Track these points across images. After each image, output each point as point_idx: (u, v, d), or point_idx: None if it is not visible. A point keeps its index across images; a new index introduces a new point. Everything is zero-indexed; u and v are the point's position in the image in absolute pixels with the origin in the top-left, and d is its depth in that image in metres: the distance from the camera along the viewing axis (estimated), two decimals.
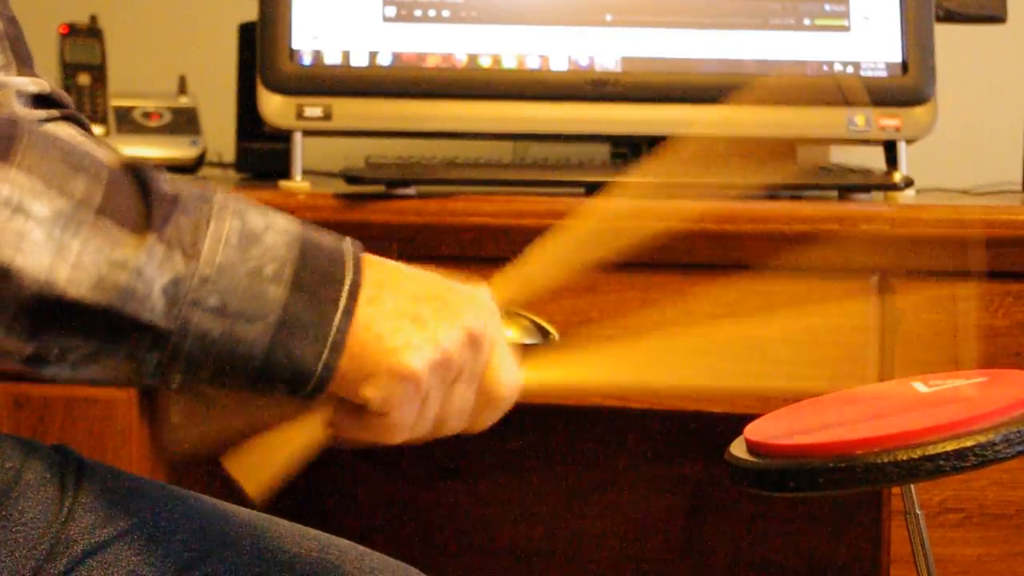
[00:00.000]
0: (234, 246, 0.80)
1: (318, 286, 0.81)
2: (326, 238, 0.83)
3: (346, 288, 0.82)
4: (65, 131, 1.08)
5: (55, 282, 0.76)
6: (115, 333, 0.78)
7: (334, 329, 0.81)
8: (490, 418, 0.89)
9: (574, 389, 0.97)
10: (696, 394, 0.97)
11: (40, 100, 1.08)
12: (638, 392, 0.94)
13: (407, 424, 0.84)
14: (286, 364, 0.81)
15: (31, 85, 1.06)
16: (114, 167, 0.80)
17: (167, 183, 0.80)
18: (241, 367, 0.81)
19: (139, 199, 0.79)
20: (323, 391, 0.82)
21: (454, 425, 0.87)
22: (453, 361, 0.84)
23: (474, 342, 0.85)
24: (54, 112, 1.08)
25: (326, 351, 0.81)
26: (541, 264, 0.95)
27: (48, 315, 0.77)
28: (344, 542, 1.02)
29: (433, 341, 0.83)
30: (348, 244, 0.84)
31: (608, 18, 1.72)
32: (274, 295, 0.80)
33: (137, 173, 0.80)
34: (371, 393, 0.82)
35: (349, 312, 0.81)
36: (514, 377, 0.88)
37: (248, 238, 0.80)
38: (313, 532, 1.02)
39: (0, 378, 1.57)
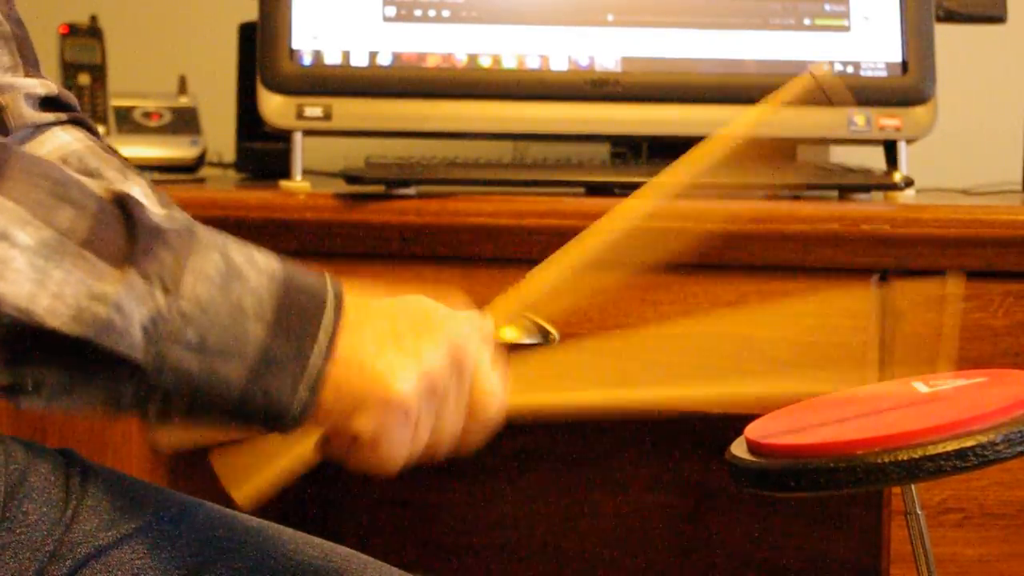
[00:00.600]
0: (215, 282, 0.80)
1: (298, 324, 0.81)
2: (307, 276, 0.83)
3: (325, 326, 0.82)
4: (72, 135, 1.08)
5: (34, 311, 0.76)
6: (92, 365, 0.78)
7: (311, 368, 0.81)
8: (479, 437, 0.89)
9: (563, 407, 0.97)
10: (691, 404, 0.97)
11: (47, 102, 1.08)
12: (632, 407, 0.94)
13: (401, 453, 0.84)
14: (263, 402, 0.81)
15: (39, 87, 1.06)
16: (102, 199, 0.80)
17: (153, 217, 0.80)
18: (218, 403, 0.80)
19: (123, 232, 0.79)
20: (300, 426, 0.82)
21: (445, 447, 0.87)
22: (439, 382, 0.84)
23: (458, 361, 0.85)
24: (62, 115, 1.08)
25: (302, 390, 0.81)
26: (558, 274, 0.95)
27: (25, 344, 0.77)
28: (346, 550, 1.02)
29: (417, 365, 0.83)
30: (329, 282, 0.84)
31: (610, 18, 1.72)
32: (253, 332, 0.80)
33: (123, 206, 0.80)
34: (362, 425, 0.83)
35: (329, 350, 0.81)
36: (501, 393, 0.88)
37: (229, 275, 0.80)
38: (316, 540, 1.02)
39: None
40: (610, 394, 0.97)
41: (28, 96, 1.06)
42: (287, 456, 0.89)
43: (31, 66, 1.06)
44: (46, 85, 1.07)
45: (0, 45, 1.05)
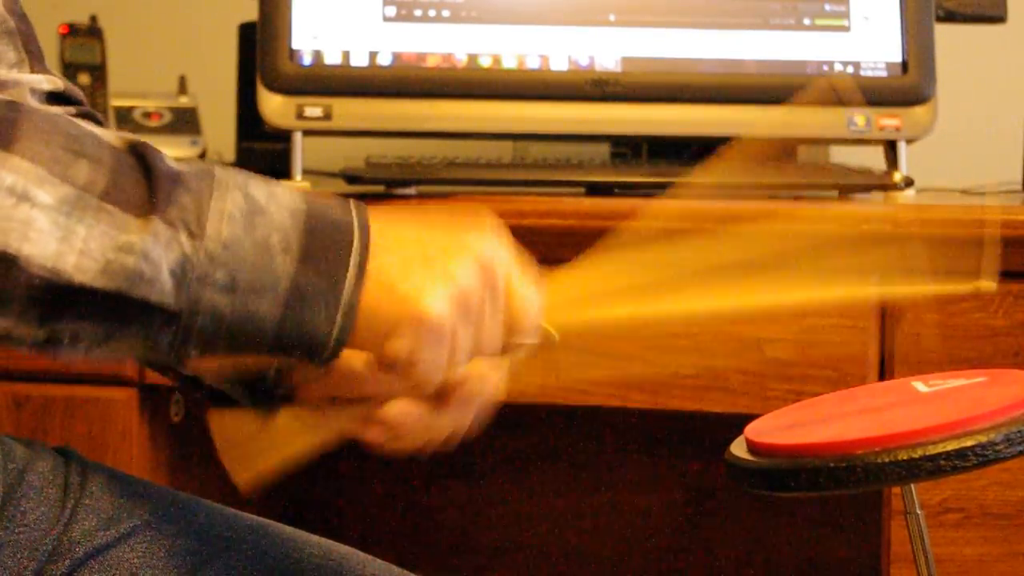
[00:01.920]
0: (239, 220, 0.80)
1: (326, 253, 0.81)
2: (331, 204, 0.83)
3: (355, 252, 0.82)
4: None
5: (63, 269, 0.76)
6: (126, 316, 0.78)
7: (346, 295, 0.81)
8: (522, 341, 0.88)
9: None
10: (696, 393, 0.97)
11: (54, 97, 1.08)
12: (636, 391, 0.94)
13: (438, 369, 0.84)
14: (300, 334, 0.81)
15: (45, 83, 1.06)
16: (117, 149, 0.80)
17: (170, 162, 0.80)
18: (255, 339, 0.81)
19: (142, 181, 0.79)
20: (340, 354, 0.82)
21: (487, 352, 0.86)
22: (471, 294, 0.84)
23: (488, 271, 0.85)
24: (71, 110, 1.08)
25: (339, 318, 0.81)
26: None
27: (58, 302, 0.77)
28: (345, 548, 1.02)
29: (447, 280, 0.83)
30: (354, 207, 0.84)
31: (612, 18, 1.72)
32: (282, 266, 0.80)
33: (139, 154, 0.80)
34: (397, 347, 0.82)
35: (360, 276, 0.81)
36: (536, 296, 0.88)
37: (252, 211, 0.80)
38: (315, 538, 1.02)
39: (0, 378, 1.57)
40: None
41: (34, 91, 1.06)
42: (293, 443, 0.88)
43: (37, 61, 1.07)
44: (52, 81, 1.07)
45: (5, 41, 1.05)
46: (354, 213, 0.84)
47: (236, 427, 0.91)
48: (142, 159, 0.80)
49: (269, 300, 0.80)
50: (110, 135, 0.81)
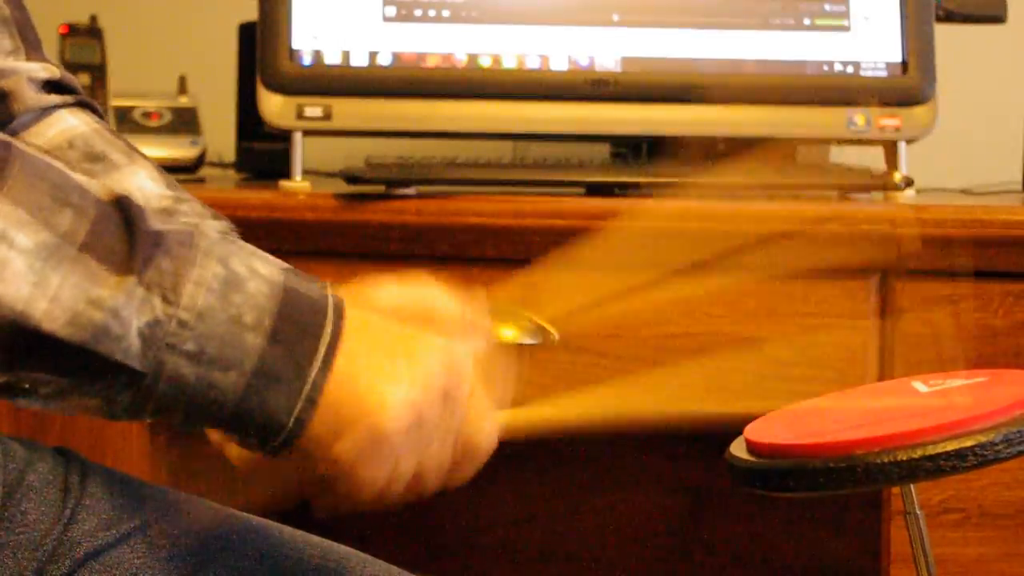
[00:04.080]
0: (215, 292, 0.79)
1: (297, 338, 0.80)
2: (309, 287, 0.82)
3: (325, 343, 0.81)
4: (79, 118, 1.07)
5: (32, 314, 0.75)
6: (88, 371, 0.78)
7: (309, 384, 0.80)
8: (469, 472, 0.88)
9: (557, 427, 0.97)
10: (688, 420, 0.97)
11: (51, 86, 1.07)
12: (625, 424, 0.95)
13: (376, 483, 0.83)
14: (258, 414, 0.80)
15: (42, 71, 1.06)
16: (103, 202, 0.79)
17: (153, 222, 0.80)
18: (213, 413, 0.80)
19: (123, 238, 0.78)
20: (292, 444, 0.81)
21: (431, 482, 0.86)
22: (427, 421, 0.83)
23: (449, 399, 0.84)
24: (68, 98, 1.08)
25: (299, 405, 0.80)
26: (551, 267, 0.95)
27: (22, 347, 0.76)
28: (345, 549, 1.02)
29: (408, 402, 0.82)
30: (331, 296, 0.83)
31: (616, 18, 1.72)
32: (252, 344, 0.79)
33: (124, 210, 0.79)
34: (342, 450, 0.81)
35: (327, 368, 0.80)
36: (492, 429, 0.88)
37: (229, 285, 0.79)
38: (315, 538, 1.02)
39: None
40: (604, 411, 0.96)
41: (31, 80, 1.05)
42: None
43: (33, 49, 1.06)
44: (49, 69, 1.06)
45: (0, 29, 1.04)
46: (330, 300, 0.82)
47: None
48: (126, 215, 0.79)
49: (234, 376, 0.79)
50: (98, 187, 0.80)
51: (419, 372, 0.82)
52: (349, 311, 0.83)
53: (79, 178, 0.80)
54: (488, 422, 0.87)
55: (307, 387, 0.80)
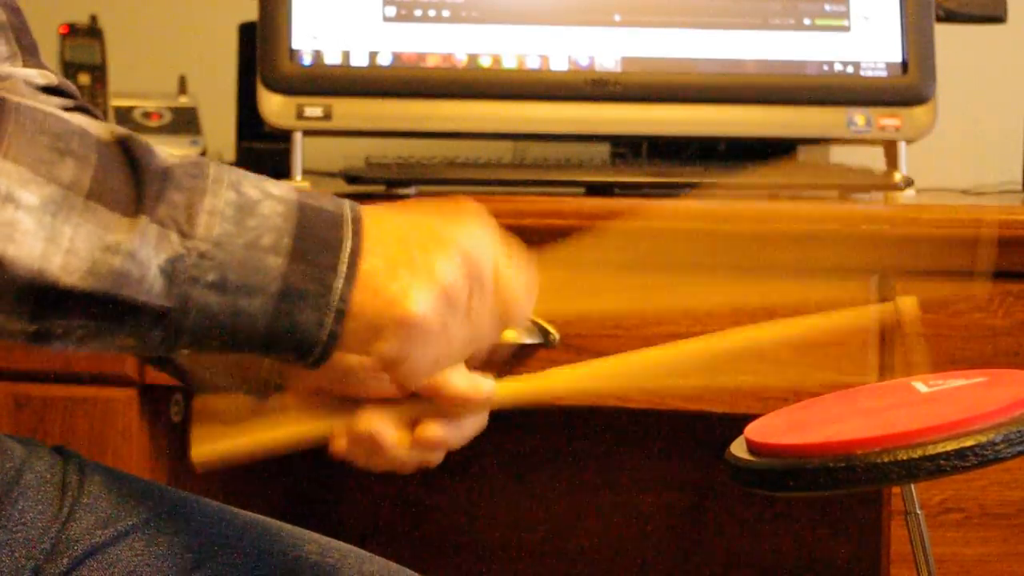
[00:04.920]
0: (230, 219, 0.79)
1: (317, 253, 0.81)
2: (324, 203, 0.83)
3: (346, 253, 0.81)
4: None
5: (49, 270, 0.76)
6: (114, 315, 0.78)
7: (336, 296, 0.81)
8: (519, 320, 0.88)
9: (569, 392, 0.97)
10: (695, 393, 0.97)
11: (48, 91, 1.07)
12: (636, 392, 0.95)
13: (430, 365, 0.84)
14: (291, 334, 0.81)
15: (38, 77, 1.06)
16: (105, 145, 0.79)
17: (159, 157, 0.79)
18: (246, 338, 0.80)
19: (130, 179, 0.78)
20: (330, 356, 0.82)
21: (485, 343, 0.86)
22: (456, 290, 0.83)
23: (473, 262, 0.84)
24: (67, 102, 1.07)
25: (330, 319, 0.81)
26: (551, 267, 0.94)
27: (46, 301, 0.77)
28: (344, 546, 1.02)
29: (429, 279, 0.82)
30: (347, 207, 0.83)
31: (617, 18, 1.72)
32: (273, 266, 0.80)
33: (128, 150, 0.79)
34: (383, 348, 0.82)
35: (351, 278, 0.81)
36: (526, 281, 0.88)
37: (244, 210, 0.80)
38: (313, 535, 1.02)
39: (0, 378, 1.57)
40: (615, 380, 0.96)
41: (27, 85, 1.05)
42: (266, 432, 0.88)
43: (29, 55, 1.06)
44: (45, 75, 1.06)
45: None
46: (347, 213, 0.83)
47: (218, 406, 0.91)
48: (131, 155, 0.79)
49: (260, 300, 0.79)
50: (99, 128, 0.80)
51: (437, 261, 0.83)
52: (367, 219, 0.83)
53: (78, 122, 0.80)
54: (522, 285, 0.87)
55: (334, 299, 0.80)
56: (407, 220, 0.86)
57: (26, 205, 0.75)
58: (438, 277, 0.83)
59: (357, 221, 0.83)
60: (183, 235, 0.78)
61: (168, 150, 0.81)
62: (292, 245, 0.80)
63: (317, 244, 0.81)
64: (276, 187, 0.82)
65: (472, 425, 0.90)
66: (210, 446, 0.88)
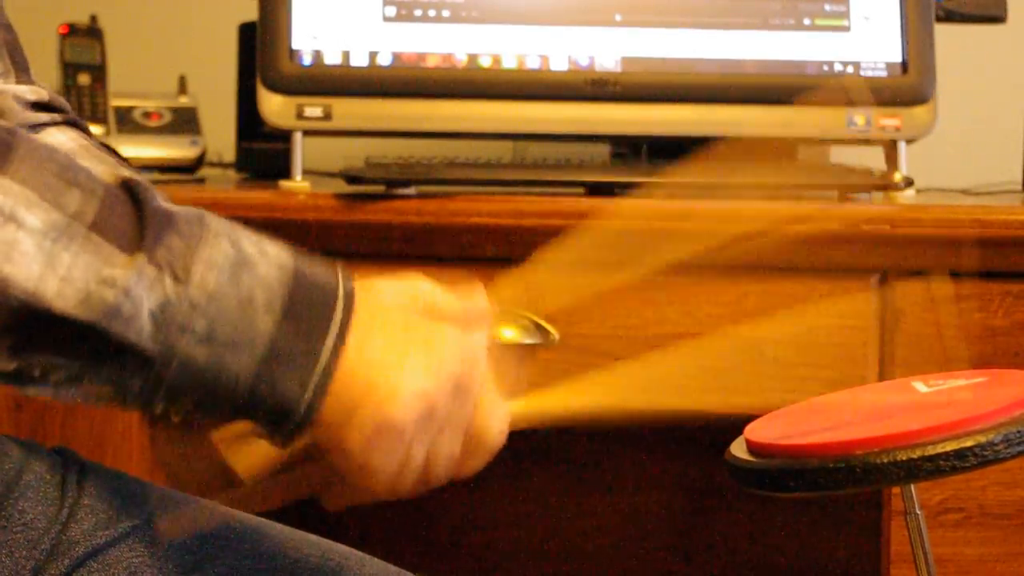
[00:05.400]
0: (225, 271, 0.79)
1: (308, 320, 0.80)
2: (319, 270, 0.82)
3: (335, 326, 0.80)
4: (67, 135, 1.08)
5: (43, 294, 0.75)
6: (99, 353, 0.77)
7: (321, 366, 0.79)
8: (478, 464, 0.87)
9: (565, 418, 0.97)
10: (693, 414, 0.96)
11: (38, 107, 1.07)
12: (631, 416, 0.95)
13: (388, 472, 0.83)
14: (270, 397, 0.79)
15: (29, 93, 1.06)
16: (110, 184, 0.79)
17: (162, 202, 0.79)
18: (225, 397, 0.79)
19: (133, 218, 0.78)
20: (304, 429, 0.81)
21: (441, 473, 0.85)
22: (439, 411, 0.82)
23: (461, 390, 0.83)
24: (57, 117, 1.08)
25: (311, 388, 0.80)
26: (552, 266, 0.94)
27: (33, 329, 0.76)
28: (345, 548, 1.02)
29: (421, 390, 0.81)
30: (341, 277, 0.82)
31: (618, 18, 1.72)
32: (263, 326, 0.79)
33: (132, 191, 0.79)
34: (353, 437, 0.81)
35: (337, 352, 0.80)
36: (502, 422, 0.87)
37: (240, 266, 0.79)
38: (314, 538, 1.02)
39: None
40: (609, 402, 0.96)
41: (18, 100, 1.05)
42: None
43: (22, 71, 1.06)
44: (37, 91, 1.06)
45: None
46: (340, 280, 0.82)
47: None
48: (134, 195, 0.79)
49: (245, 357, 0.78)
50: (104, 171, 0.80)
51: (433, 362, 0.82)
52: (360, 295, 0.82)
53: (84, 163, 0.80)
54: (499, 415, 0.87)
55: (319, 369, 0.79)
56: (412, 318, 0.84)
57: (28, 227, 0.75)
58: (429, 384, 0.81)
59: (349, 291, 0.82)
60: (177, 281, 0.77)
61: (171, 201, 0.80)
62: (284, 308, 0.79)
63: (309, 310, 0.80)
64: (273, 246, 0.81)
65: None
66: (248, 460, 0.88)
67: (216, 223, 0.80)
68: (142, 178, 0.91)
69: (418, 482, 0.85)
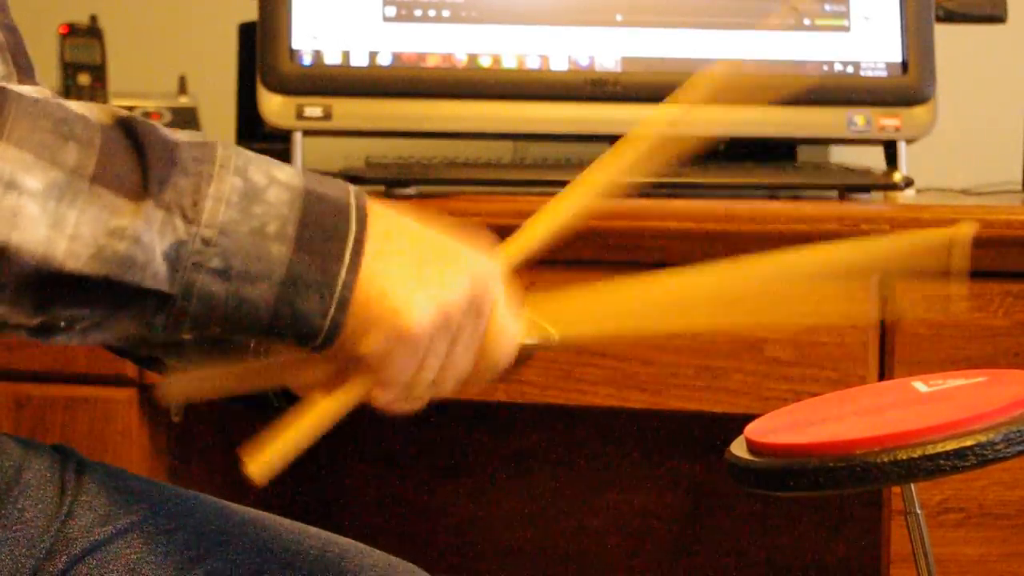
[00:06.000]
0: (235, 205, 0.79)
1: (322, 242, 0.80)
2: (330, 189, 0.82)
3: (350, 243, 0.81)
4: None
5: (53, 256, 0.75)
6: (119, 301, 0.78)
7: (340, 286, 0.80)
8: (485, 379, 0.88)
9: (579, 338, 0.97)
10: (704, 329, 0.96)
11: None
12: (641, 333, 0.95)
13: (401, 381, 0.84)
14: (293, 322, 0.80)
15: (34, 93, 1.06)
16: (107, 127, 0.78)
17: (164, 137, 0.79)
18: (248, 325, 0.80)
19: (135, 163, 0.78)
20: (332, 345, 0.82)
21: (450, 386, 0.86)
22: (454, 324, 0.83)
23: (476, 305, 0.84)
24: None
25: (332, 308, 0.81)
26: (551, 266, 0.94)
27: (51, 289, 0.76)
28: (345, 540, 1.02)
29: (436, 303, 0.82)
30: (352, 195, 0.83)
31: (619, 18, 1.72)
32: (278, 254, 0.79)
33: (131, 132, 0.79)
34: (370, 347, 0.82)
35: (354, 268, 0.81)
36: (512, 340, 0.87)
37: (250, 196, 0.79)
38: (313, 530, 1.02)
39: (0, 378, 1.57)
40: (620, 322, 0.96)
41: None
42: (298, 425, 0.88)
43: (25, 74, 1.06)
44: (41, 92, 1.06)
45: None
46: (352, 197, 0.83)
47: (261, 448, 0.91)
48: (134, 137, 0.78)
49: (263, 287, 0.79)
50: (100, 113, 0.79)
51: (448, 278, 0.83)
52: (373, 210, 0.83)
53: (78, 108, 0.79)
54: (510, 335, 0.87)
55: (338, 289, 0.80)
56: (424, 227, 0.85)
57: (30, 191, 0.75)
58: (443, 294, 0.82)
59: (362, 208, 0.82)
60: (187, 221, 0.78)
61: (175, 129, 0.81)
62: (297, 233, 0.80)
63: (322, 232, 0.80)
64: (282, 172, 0.82)
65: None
66: (260, 456, 0.88)
67: (223, 153, 0.80)
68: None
69: (428, 391, 0.86)
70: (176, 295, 0.78)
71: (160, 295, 0.78)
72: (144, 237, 0.77)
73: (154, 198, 0.77)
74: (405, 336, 0.82)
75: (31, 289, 0.76)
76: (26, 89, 1.05)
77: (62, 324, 0.78)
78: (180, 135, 0.80)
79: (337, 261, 0.80)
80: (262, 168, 0.81)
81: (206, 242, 0.78)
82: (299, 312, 0.80)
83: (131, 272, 0.77)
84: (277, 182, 0.81)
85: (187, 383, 0.92)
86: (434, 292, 0.82)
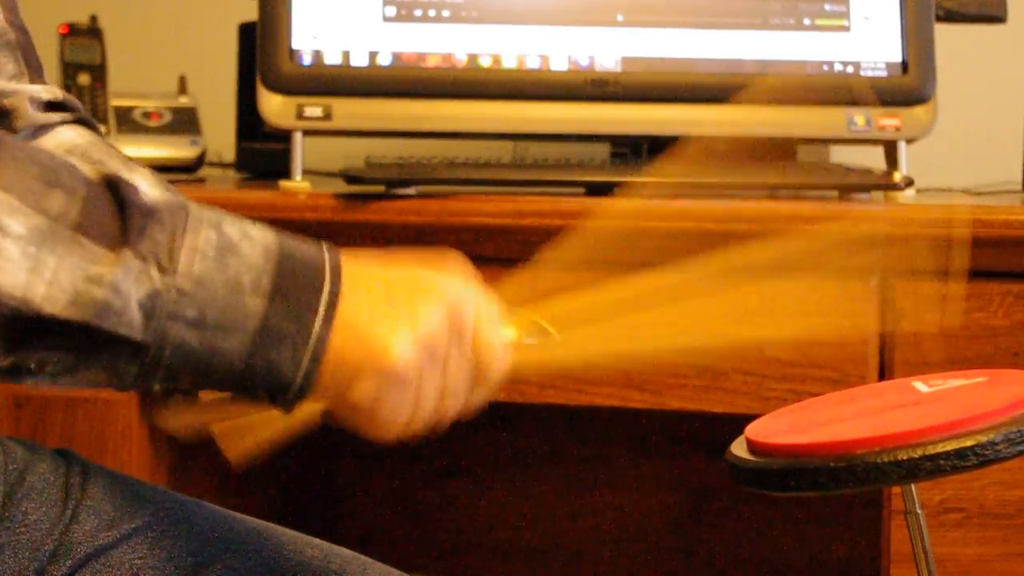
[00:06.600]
0: (211, 257, 0.80)
1: (297, 295, 0.81)
2: (303, 246, 0.83)
3: (325, 296, 0.82)
4: (76, 132, 1.08)
5: (31, 299, 0.76)
6: (93, 347, 0.78)
7: (313, 338, 0.81)
8: (485, 393, 0.89)
9: (566, 362, 0.97)
10: (693, 354, 0.97)
11: (52, 107, 1.08)
12: (630, 359, 0.95)
13: (399, 420, 0.84)
14: (265, 374, 0.81)
15: (44, 93, 1.07)
16: (92, 181, 0.80)
17: (144, 196, 0.80)
18: (220, 376, 0.81)
19: (115, 214, 0.79)
20: (304, 398, 0.83)
21: (452, 406, 0.87)
22: (438, 346, 0.84)
23: (456, 329, 0.85)
24: (67, 116, 1.08)
25: (305, 360, 0.81)
26: (551, 266, 0.95)
27: (26, 331, 0.77)
28: (347, 552, 1.02)
29: (414, 337, 0.83)
30: (325, 251, 0.84)
31: (620, 18, 1.72)
32: (252, 306, 0.80)
33: (114, 187, 0.80)
34: (359, 396, 0.83)
35: (328, 320, 0.82)
36: (502, 352, 0.88)
37: (224, 249, 0.80)
38: (316, 541, 1.02)
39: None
40: (613, 347, 0.96)
41: (33, 99, 1.06)
42: (284, 419, 0.88)
43: (35, 73, 1.07)
44: (51, 91, 1.07)
45: (5, 53, 1.05)
46: (326, 255, 0.84)
47: (235, 424, 0.91)
48: (116, 191, 0.80)
49: (237, 338, 0.80)
50: (87, 168, 0.81)
51: (420, 310, 0.84)
52: (346, 264, 0.84)
53: (68, 160, 0.81)
54: (498, 346, 0.88)
55: (311, 342, 0.81)
56: (390, 268, 0.86)
57: (13, 234, 0.76)
58: (420, 324, 0.83)
59: (336, 264, 0.83)
60: (163, 271, 0.79)
61: (154, 189, 0.82)
62: (271, 286, 0.81)
63: (297, 285, 0.81)
64: (256, 229, 0.83)
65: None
66: (239, 444, 0.88)
67: (197, 211, 0.81)
68: (139, 170, 0.91)
69: (434, 416, 0.87)
70: (150, 344, 0.79)
71: (133, 344, 0.78)
72: (121, 285, 0.78)
73: (132, 248, 0.78)
74: (392, 376, 0.82)
75: (6, 330, 0.77)
76: (33, 91, 1.06)
77: (32, 366, 0.79)
78: (160, 195, 0.81)
79: (311, 314, 0.81)
80: (236, 224, 0.82)
81: (181, 292, 0.79)
82: (272, 365, 0.81)
83: (107, 319, 0.77)
84: (250, 237, 0.82)
85: (189, 414, 0.92)
86: (411, 327, 0.83)
